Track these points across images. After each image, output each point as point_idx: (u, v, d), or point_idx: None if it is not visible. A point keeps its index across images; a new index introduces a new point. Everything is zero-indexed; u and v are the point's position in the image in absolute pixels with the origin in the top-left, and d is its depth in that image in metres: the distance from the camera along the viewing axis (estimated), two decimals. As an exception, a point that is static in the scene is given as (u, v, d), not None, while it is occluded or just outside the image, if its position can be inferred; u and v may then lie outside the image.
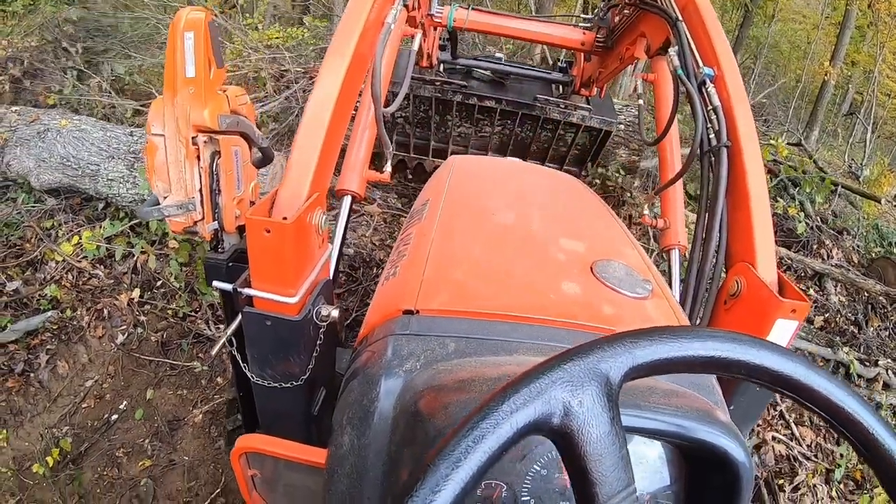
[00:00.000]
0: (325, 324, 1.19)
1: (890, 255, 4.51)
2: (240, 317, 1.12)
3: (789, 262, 4.12)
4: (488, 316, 0.97)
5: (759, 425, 3.00)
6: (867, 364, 3.60)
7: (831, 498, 2.84)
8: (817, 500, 2.79)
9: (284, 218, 1.04)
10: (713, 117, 1.51)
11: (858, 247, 4.74)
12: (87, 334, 2.86)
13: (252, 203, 1.32)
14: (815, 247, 4.45)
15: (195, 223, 1.22)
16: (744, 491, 0.70)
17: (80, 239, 3.07)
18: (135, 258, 3.07)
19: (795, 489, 2.78)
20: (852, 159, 7.92)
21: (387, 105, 1.66)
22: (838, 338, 3.74)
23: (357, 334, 1.17)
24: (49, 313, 2.84)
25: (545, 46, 7.41)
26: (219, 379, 2.74)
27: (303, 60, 4.86)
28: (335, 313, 1.20)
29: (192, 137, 1.14)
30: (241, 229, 1.29)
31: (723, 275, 1.45)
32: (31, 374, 2.73)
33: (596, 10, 3.02)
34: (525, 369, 0.45)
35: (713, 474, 0.73)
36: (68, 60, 4.48)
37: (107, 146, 3.19)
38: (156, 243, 3.11)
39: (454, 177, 1.73)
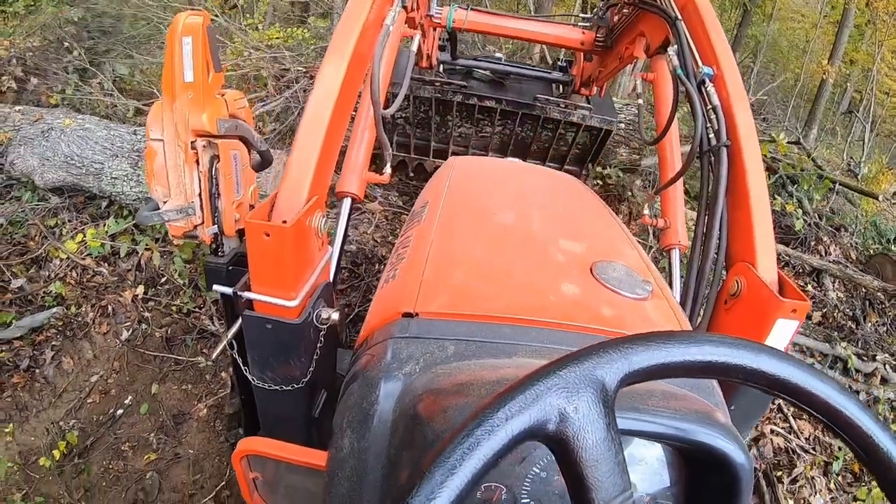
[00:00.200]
0: (325, 326, 1.19)
1: (888, 252, 4.54)
2: (240, 320, 1.12)
3: (787, 258, 4.15)
4: (487, 318, 0.97)
5: (757, 419, 3.03)
6: (865, 359, 3.63)
7: (829, 490, 2.86)
8: (816, 492, 2.81)
9: (284, 221, 1.04)
10: (713, 116, 1.51)
11: (856, 243, 4.77)
12: (91, 330, 2.89)
13: (251, 206, 1.32)
14: (812, 243, 4.48)
15: (195, 227, 1.22)
16: (744, 492, 0.70)
17: (85, 237, 3.10)
18: (139, 255, 3.09)
19: (794, 481, 2.80)
20: (851, 157, 7.95)
21: (386, 106, 1.65)
22: (836, 333, 3.77)
23: (359, 330, 1.17)
24: (54, 309, 2.87)
25: (545, 46, 7.43)
26: (223, 374, 2.77)
27: (303, 59, 4.89)
28: (335, 316, 1.20)
29: (191, 142, 1.14)
30: (240, 233, 1.28)
31: (723, 275, 1.45)
32: (37, 370, 2.76)
33: (595, 10, 3.02)
34: (523, 373, 0.46)
35: (713, 476, 0.73)
36: (70, 61, 4.50)
37: (111, 144, 3.21)
38: (160, 240, 3.13)
39: (454, 178, 1.73)
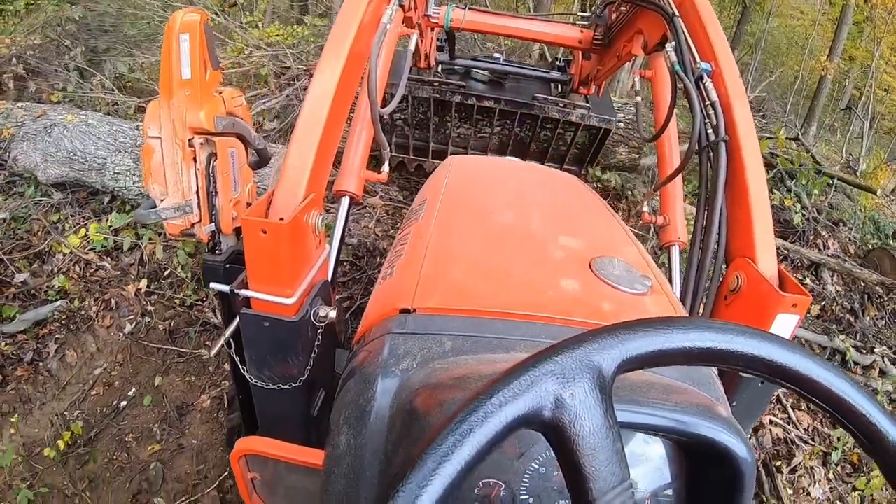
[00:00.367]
0: (322, 325, 1.18)
1: (886, 247, 4.56)
2: (238, 318, 1.11)
3: (786, 252, 4.17)
4: (485, 314, 0.97)
5: (756, 410, 3.04)
6: (863, 351, 3.65)
7: (828, 480, 2.88)
8: (815, 482, 2.83)
9: (281, 219, 1.04)
10: (711, 112, 1.50)
11: (855, 238, 4.79)
12: (95, 324, 2.91)
13: (249, 204, 1.32)
14: (811, 237, 4.50)
15: (192, 225, 1.22)
16: (746, 486, 0.69)
17: (87, 231, 3.12)
18: (142, 249, 3.11)
19: (793, 471, 2.82)
20: (850, 153, 7.97)
21: (384, 106, 1.64)
22: (834, 326, 3.79)
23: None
24: (59, 303, 2.89)
25: (543, 45, 7.43)
26: (226, 366, 2.78)
27: (303, 57, 4.91)
28: (333, 314, 1.19)
29: (189, 139, 1.14)
30: (238, 231, 1.29)
31: (723, 270, 1.44)
32: (40, 364, 2.78)
33: (593, 8, 3.01)
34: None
35: (714, 470, 0.72)
36: (71, 59, 4.52)
37: (113, 140, 3.23)
38: (162, 234, 3.15)
39: (452, 176, 1.73)
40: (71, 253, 3.09)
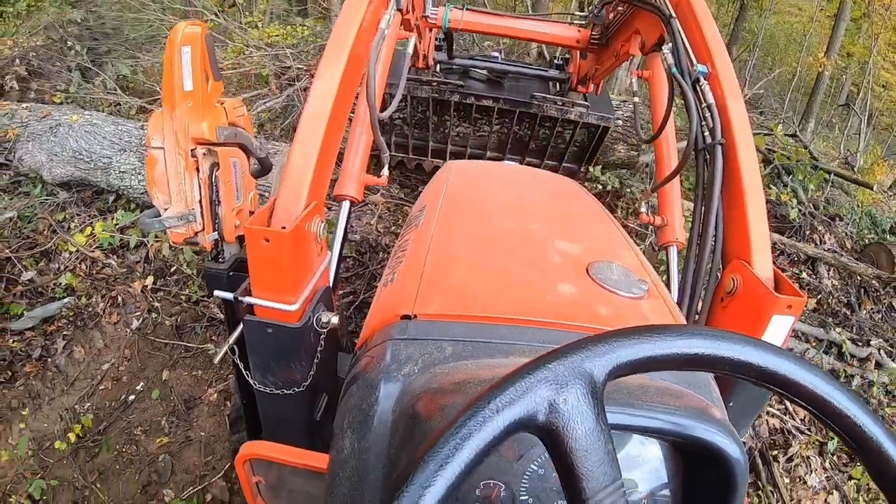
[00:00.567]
0: (325, 330, 1.20)
1: (883, 241, 4.60)
2: (241, 325, 1.13)
3: (782, 247, 4.21)
4: (485, 319, 0.98)
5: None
6: (859, 344, 3.69)
7: (825, 469, 2.93)
8: (811, 471, 2.88)
9: (283, 227, 1.05)
10: (707, 115, 1.51)
11: (851, 233, 4.83)
12: (102, 320, 2.96)
13: (251, 212, 1.33)
14: (807, 232, 4.54)
15: (196, 234, 1.24)
16: (739, 487, 0.71)
17: (93, 230, 3.17)
18: (148, 247, 3.16)
19: (789, 460, 2.87)
20: (847, 149, 8.01)
21: (383, 109, 1.64)
22: (830, 319, 3.84)
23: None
24: (66, 300, 2.94)
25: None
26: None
27: (303, 57, 4.95)
28: (335, 320, 1.21)
29: (192, 150, 1.16)
30: (240, 239, 1.31)
31: (719, 272, 1.46)
32: (49, 360, 2.82)
33: (590, 7, 3.01)
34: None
35: (708, 471, 0.74)
36: (73, 60, 4.56)
37: (118, 139, 3.28)
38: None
39: (451, 182, 1.74)
40: (77, 251, 3.14)
